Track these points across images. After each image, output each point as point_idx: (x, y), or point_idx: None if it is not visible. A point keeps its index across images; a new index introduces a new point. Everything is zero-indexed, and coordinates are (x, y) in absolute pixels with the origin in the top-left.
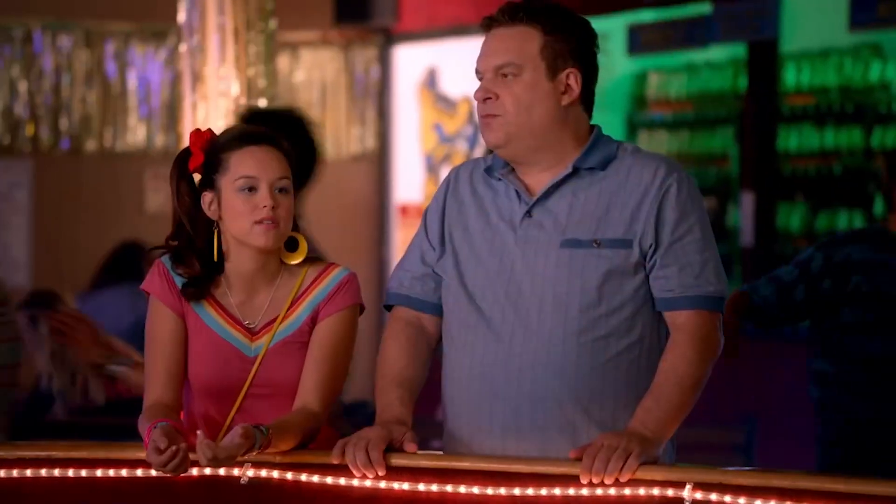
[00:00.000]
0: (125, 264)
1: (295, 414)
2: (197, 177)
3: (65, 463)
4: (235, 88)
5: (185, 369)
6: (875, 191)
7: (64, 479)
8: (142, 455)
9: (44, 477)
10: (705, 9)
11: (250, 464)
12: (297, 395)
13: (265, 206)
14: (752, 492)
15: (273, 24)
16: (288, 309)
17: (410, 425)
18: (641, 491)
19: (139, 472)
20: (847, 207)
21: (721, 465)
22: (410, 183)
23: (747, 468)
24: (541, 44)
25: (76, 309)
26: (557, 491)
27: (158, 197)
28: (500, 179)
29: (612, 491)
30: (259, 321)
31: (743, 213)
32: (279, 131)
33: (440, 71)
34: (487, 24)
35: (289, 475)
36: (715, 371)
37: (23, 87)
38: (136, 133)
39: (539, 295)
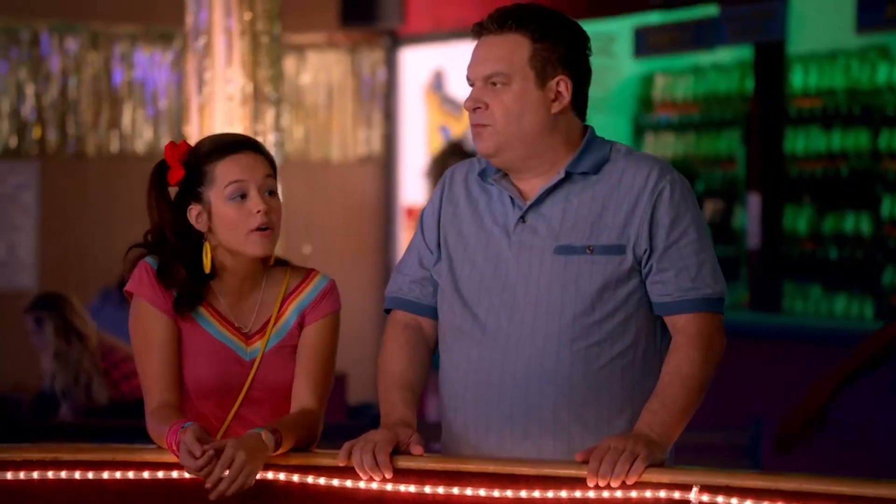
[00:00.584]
0: None
1: (296, 414)
2: (173, 190)
3: (71, 465)
4: (242, 91)
5: (181, 372)
6: (882, 193)
7: (70, 481)
8: (148, 456)
9: (50, 479)
10: (712, 11)
11: None
12: (293, 398)
13: (258, 212)
14: (758, 494)
15: (279, 26)
16: (278, 312)
17: (415, 427)
18: (648, 493)
19: (146, 474)
20: (854, 210)
21: (727, 467)
22: (416, 185)
23: (754, 471)
24: (530, 52)
25: (85, 311)
26: (564, 493)
27: None
28: (493, 185)
29: (619, 493)
30: (252, 325)
31: (750, 215)
32: None
33: (446, 73)
34: (477, 32)
35: (295, 477)
36: (720, 373)
37: (30, 89)
38: (143, 135)
39: (533, 302)
